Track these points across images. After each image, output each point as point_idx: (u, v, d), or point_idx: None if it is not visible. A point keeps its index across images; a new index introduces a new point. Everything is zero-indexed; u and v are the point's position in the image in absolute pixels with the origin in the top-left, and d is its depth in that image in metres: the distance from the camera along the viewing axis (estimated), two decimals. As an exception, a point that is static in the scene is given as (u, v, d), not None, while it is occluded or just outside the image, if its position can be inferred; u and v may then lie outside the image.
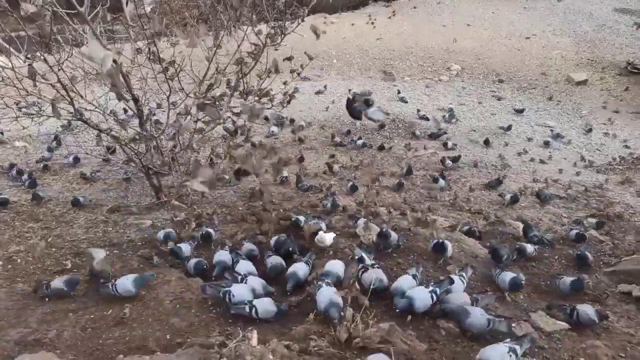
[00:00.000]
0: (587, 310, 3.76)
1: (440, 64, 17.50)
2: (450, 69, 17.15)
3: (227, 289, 3.71)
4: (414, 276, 3.93)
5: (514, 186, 8.38)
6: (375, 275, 3.85)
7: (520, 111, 13.51)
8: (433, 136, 11.23)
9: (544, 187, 8.27)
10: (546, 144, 11.15)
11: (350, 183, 7.64)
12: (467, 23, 20.41)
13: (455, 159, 9.38)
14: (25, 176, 7.72)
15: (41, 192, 7.22)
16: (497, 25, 20.13)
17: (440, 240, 4.69)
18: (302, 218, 5.57)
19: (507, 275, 4.17)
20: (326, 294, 3.50)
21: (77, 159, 8.81)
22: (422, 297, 3.58)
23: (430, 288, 3.68)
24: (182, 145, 6.35)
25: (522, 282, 4.21)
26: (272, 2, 6.34)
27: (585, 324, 3.71)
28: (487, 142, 10.95)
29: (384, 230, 4.74)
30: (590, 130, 12.48)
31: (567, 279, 4.36)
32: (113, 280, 3.99)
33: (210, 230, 5.41)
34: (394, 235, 4.82)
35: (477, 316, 3.36)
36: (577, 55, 17.88)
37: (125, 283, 3.89)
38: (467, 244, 5.26)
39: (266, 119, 10.70)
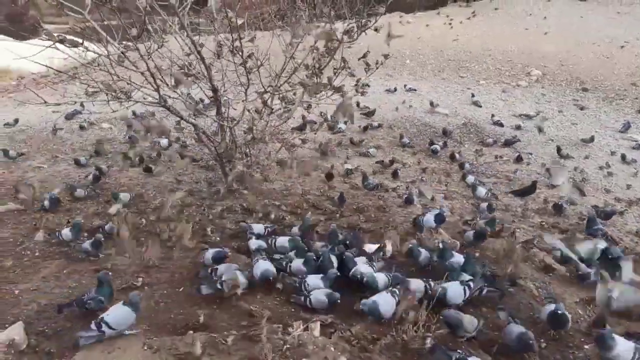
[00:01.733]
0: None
1: (519, 69, 16.72)
2: (530, 74, 16.34)
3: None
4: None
5: (592, 201, 7.88)
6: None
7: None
8: (507, 143, 10.73)
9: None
10: (626, 161, 10.22)
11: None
12: (551, 27, 19.33)
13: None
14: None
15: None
16: (585, 31, 18.88)
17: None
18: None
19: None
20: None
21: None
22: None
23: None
24: (255, 136, 6.55)
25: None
26: (350, 0, 6.36)
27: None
28: (559, 150, 10.31)
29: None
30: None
31: None
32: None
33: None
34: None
35: None
36: (675, 66, 16.41)
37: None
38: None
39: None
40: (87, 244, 4.85)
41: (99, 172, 7.46)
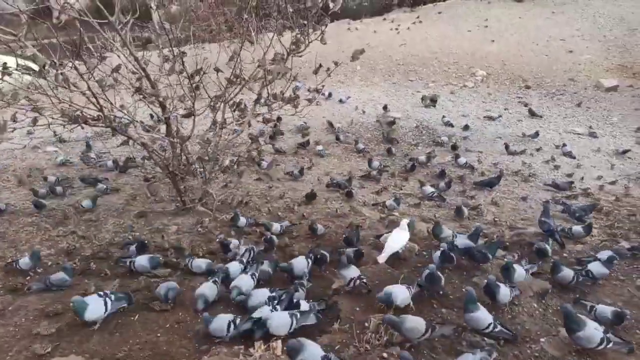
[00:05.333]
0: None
1: (465, 70, 17.28)
2: (476, 75, 16.92)
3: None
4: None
5: (542, 195, 8.20)
6: None
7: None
8: (454, 147, 10.95)
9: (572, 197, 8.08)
10: (569, 154, 10.76)
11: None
12: (492, 28, 20.11)
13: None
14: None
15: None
16: (524, 31, 19.76)
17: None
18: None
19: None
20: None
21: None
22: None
23: None
24: (207, 152, 6.41)
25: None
26: (297, 10, 6.36)
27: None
28: (507, 147, 10.76)
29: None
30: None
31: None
32: None
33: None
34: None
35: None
36: (607, 61, 17.42)
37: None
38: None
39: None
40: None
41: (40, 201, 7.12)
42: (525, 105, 14.50)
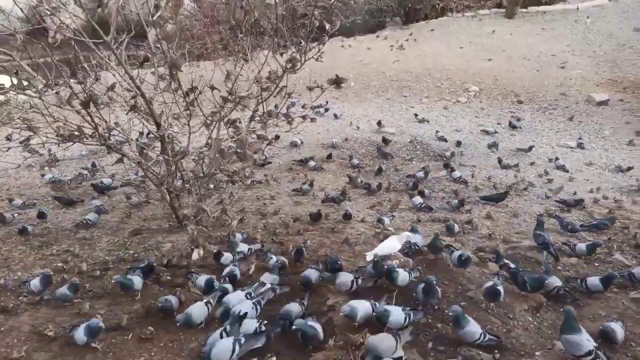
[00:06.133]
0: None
1: (457, 85, 17.47)
2: (469, 90, 17.10)
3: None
4: None
5: (536, 209, 8.24)
6: None
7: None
8: (446, 166, 10.91)
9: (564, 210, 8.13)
10: (562, 168, 10.84)
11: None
12: (484, 45, 20.42)
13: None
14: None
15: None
16: (515, 47, 20.06)
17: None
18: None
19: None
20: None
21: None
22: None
23: None
24: (202, 169, 6.43)
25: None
26: (292, 28, 6.44)
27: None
28: (500, 162, 10.85)
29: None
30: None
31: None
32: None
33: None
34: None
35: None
36: (598, 76, 17.67)
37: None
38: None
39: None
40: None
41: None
42: (518, 119, 14.65)
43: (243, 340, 3.44)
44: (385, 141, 11.89)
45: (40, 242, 6.41)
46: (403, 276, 4.45)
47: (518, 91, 16.94)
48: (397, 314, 3.79)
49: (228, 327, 3.67)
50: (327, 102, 14.77)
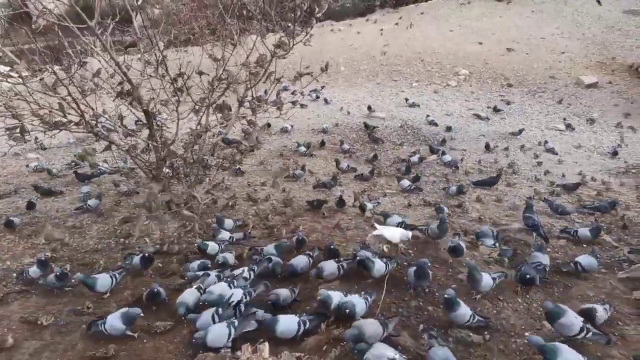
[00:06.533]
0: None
1: (448, 69, 17.45)
2: (459, 74, 17.09)
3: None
4: None
5: (525, 192, 8.30)
6: None
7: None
8: (432, 150, 10.92)
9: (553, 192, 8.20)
10: (551, 150, 10.91)
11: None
12: (474, 28, 20.35)
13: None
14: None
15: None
16: (504, 30, 20.04)
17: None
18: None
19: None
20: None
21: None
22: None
23: None
24: (192, 155, 6.38)
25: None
26: (281, 12, 6.35)
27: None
28: (487, 146, 10.90)
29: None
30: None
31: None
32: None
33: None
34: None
35: None
36: (587, 58, 17.74)
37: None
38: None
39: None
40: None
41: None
42: (508, 103, 14.69)
43: (236, 323, 3.43)
44: (367, 126, 11.84)
45: (29, 232, 6.34)
46: (379, 266, 4.42)
47: (508, 74, 16.97)
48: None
49: (220, 310, 3.66)
50: (322, 87, 14.66)
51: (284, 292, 4.07)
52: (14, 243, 6.01)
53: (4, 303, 4.47)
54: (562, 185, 8.50)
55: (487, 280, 4.12)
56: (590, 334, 3.46)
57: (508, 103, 14.76)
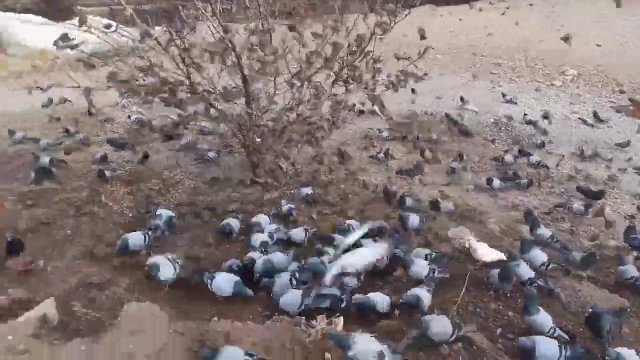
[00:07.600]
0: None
1: (554, 68, 16.23)
2: (565, 74, 15.84)
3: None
4: None
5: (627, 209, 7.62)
6: None
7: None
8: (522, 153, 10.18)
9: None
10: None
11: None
12: (590, 25, 18.71)
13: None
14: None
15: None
16: (627, 30, 18.19)
17: None
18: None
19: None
20: None
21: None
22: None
23: None
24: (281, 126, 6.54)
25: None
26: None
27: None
28: (581, 153, 10.10)
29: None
30: None
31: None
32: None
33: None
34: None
35: None
36: None
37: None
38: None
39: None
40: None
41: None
42: (618, 111, 13.45)
43: (313, 296, 3.53)
44: (450, 119, 11.37)
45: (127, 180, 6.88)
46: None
47: (621, 80, 15.44)
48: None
49: (297, 274, 3.78)
50: (425, 74, 14.34)
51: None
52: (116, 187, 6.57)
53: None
54: None
55: None
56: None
57: (618, 111, 13.50)
